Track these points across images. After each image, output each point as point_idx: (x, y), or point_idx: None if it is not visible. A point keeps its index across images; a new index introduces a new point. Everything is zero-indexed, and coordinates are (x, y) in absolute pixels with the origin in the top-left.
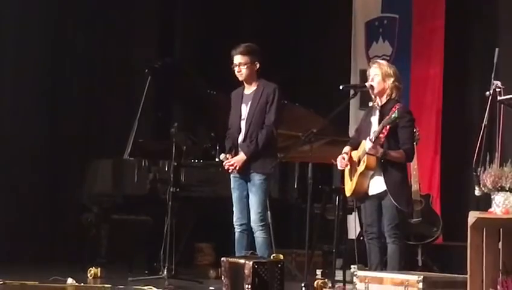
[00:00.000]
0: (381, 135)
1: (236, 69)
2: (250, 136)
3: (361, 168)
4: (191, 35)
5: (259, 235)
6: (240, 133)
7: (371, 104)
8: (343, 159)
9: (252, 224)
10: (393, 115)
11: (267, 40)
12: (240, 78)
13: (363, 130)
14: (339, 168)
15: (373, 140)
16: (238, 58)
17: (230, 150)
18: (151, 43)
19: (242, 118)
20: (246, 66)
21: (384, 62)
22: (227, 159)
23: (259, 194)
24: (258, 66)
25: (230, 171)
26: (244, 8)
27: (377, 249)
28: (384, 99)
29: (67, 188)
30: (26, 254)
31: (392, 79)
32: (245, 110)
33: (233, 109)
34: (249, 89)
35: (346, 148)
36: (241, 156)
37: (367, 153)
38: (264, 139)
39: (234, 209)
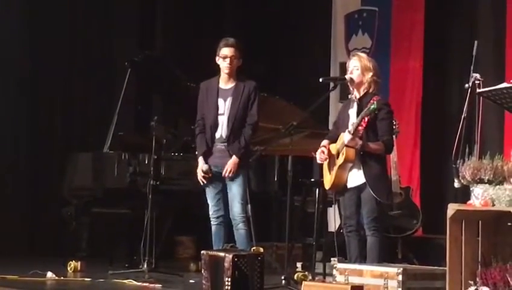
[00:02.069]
0: (360, 127)
1: (227, 60)
2: (234, 135)
3: (340, 160)
4: (172, 28)
5: (241, 227)
6: (217, 128)
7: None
8: (323, 153)
9: (235, 216)
10: (371, 106)
11: (247, 31)
12: (226, 71)
13: (341, 123)
14: (318, 161)
15: (352, 132)
16: (231, 51)
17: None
18: (131, 36)
19: (220, 112)
20: (236, 60)
21: (364, 55)
22: (208, 174)
23: (242, 187)
24: (241, 62)
25: (204, 182)
26: (224, 2)
27: (355, 241)
28: (362, 93)
29: (47, 182)
30: (6, 247)
31: (370, 73)
32: (223, 105)
33: (207, 102)
34: (227, 84)
35: (325, 142)
36: (234, 160)
37: (346, 146)
38: (249, 137)
39: (209, 202)
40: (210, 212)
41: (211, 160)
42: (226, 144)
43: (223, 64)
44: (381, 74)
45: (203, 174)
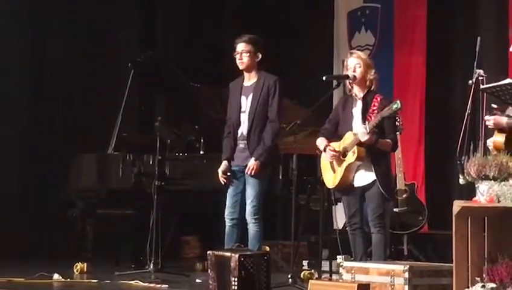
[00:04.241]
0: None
1: (237, 56)
2: (254, 131)
3: (350, 159)
4: (174, 28)
5: (252, 227)
6: (239, 126)
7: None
8: (333, 151)
9: (247, 216)
10: (394, 106)
11: (248, 30)
12: (241, 67)
13: (341, 122)
14: (329, 159)
15: (368, 131)
16: (241, 46)
17: (229, 159)
18: (133, 37)
19: (242, 110)
20: (248, 55)
21: (362, 54)
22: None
23: (257, 188)
24: (259, 57)
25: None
26: (225, 0)
27: (360, 239)
28: (364, 91)
29: (52, 184)
30: (12, 250)
31: (373, 71)
32: (245, 102)
33: (232, 101)
34: (249, 81)
35: (323, 140)
36: (254, 163)
37: (358, 144)
38: (271, 137)
39: (227, 202)
40: (226, 213)
41: (234, 159)
42: (246, 141)
43: (237, 61)
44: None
45: (221, 175)
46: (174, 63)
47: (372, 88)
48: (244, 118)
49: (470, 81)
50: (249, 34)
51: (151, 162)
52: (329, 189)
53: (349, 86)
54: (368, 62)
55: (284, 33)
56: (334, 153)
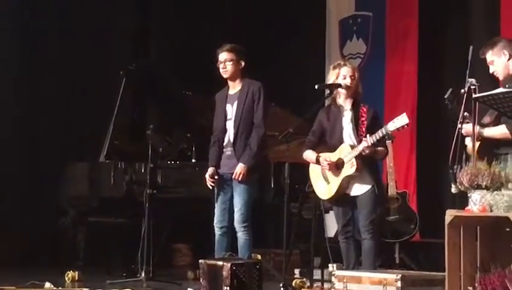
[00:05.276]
0: (361, 135)
1: (221, 66)
2: (240, 137)
3: (348, 171)
4: (167, 37)
5: (241, 236)
6: (225, 134)
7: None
8: (329, 162)
9: (235, 224)
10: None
11: (240, 39)
12: (225, 76)
13: (329, 133)
14: (325, 169)
15: (370, 143)
16: (224, 55)
17: (216, 166)
18: (126, 45)
19: (228, 118)
20: (231, 63)
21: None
22: (213, 177)
23: (244, 195)
24: (242, 64)
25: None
26: (217, 8)
27: (352, 247)
28: (351, 101)
29: (43, 192)
30: (3, 258)
31: (360, 84)
32: (230, 110)
33: (218, 111)
34: (234, 89)
35: (313, 152)
36: (242, 167)
37: (355, 156)
38: (256, 142)
39: (216, 210)
40: (214, 221)
41: (221, 167)
42: (232, 148)
43: (220, 70)
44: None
45: (209, 179)
46: (167, 72)
47: (358, 98)
48: (230, 125)
49: (462, 90)
50: (227, 44)
51: (142, 170)
52: (322, 199)
53: (336, 95)
54: (358, 73)
55: (276, 41)
56: (330, 164)
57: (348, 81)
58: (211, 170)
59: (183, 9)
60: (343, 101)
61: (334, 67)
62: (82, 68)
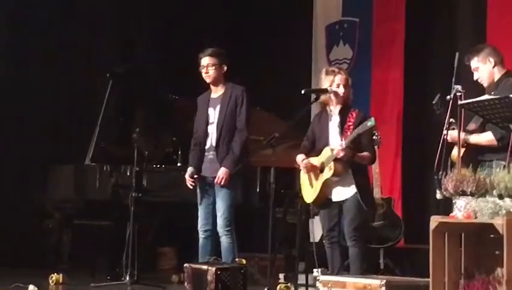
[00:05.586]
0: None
1: (203, 70)
2: (223, 141)
3: (327, 174)
4: (153, 40)
5: (225, 240)
6: (207, 138)
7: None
8: (308, 164)
9: (218, 229)
10: (368, 123)
11: (227, 43)
12: (208, 80)
13: (317, 137)
14: (303, 172)
15: (344, 146)
16: (206, 60)
17: (196, 167)
18: (113, 47)
19: (210, 122)
20: (213, 68)
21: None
22: (193, 177)
23: (227, 199)
24: (225, 68)
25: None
26: (205, 12)
27: (338, 253)
28: (340, 106)
29: (28, 194)
30: None
31: (351, 89)
32: (213, 113)
33: (199, 114)
34: (216, 93)
35: (302, 156)
36: (224, 172)
37: (334, 160)
38: (239, 146)
39: (199, 214)
40: (198, 225)
41: (202, 171)
42: (215, 152)
43: (203, 75)
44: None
45: (188, 179)
46: (153, 75)
47: (349, 103)
48: (212, 129)
49: (448, 97)
50: (211, 48)
51: (128, 174)
52: (308, 203)
53: (327, 100)
54: (349, 80)
55: (262, 46)
56: (307, 165)
57: (341, 90)
58: (190, 169)
59: (170, 12)
60: (334, 106)
61: (328, 73)
62: (68, 70)
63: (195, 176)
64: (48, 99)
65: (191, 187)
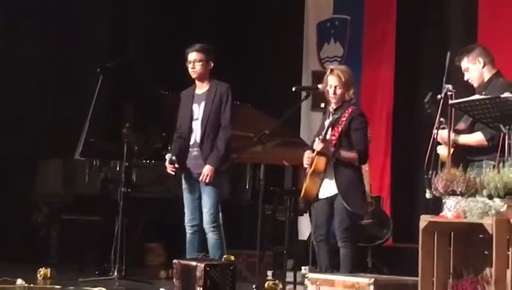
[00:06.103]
0: (332, 137)
1: (190, 66)
2: (207, 137)
3: (310, 169)
4: (144, 35)
5: (211, 236)
6: (191, 134)
7: (322, 105)
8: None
9: (204, 225)
10: (336, 116)
11: (218, 40)
12: (193, 76)
13: (318, 134)
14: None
15: (321, 139)
16: (193, 55)
17: (178, 157)
18: (103, 42)
19: (194, 118)
20: (200, 64)
21: (343, 69)
22: (174, 164)
23: (213, 196)
24: (211, 65)
25: (173, 172)
26: (196, 8)
27: (325, 251)
28: (336, 104)
29: (17, 188)
30: None
31: (353, 89)
32: (197, 110)
33: (183, 109)
34: (201, 89)
35: (308, 153)
36: (208, 169)
37: (317, 154)
38: (224, 143)
39: (186, 210)
40: (185, 220)
41: (186, 167)
42: (199, 148)
43: (189, 70)
44: None
45: (169, 165)
46: (144, 70)
47: (347, 100)
48: (197, 126)
49: (439, 96)
50: (199, 43)
51: (117, 169)
52: (297, 199)
53: (327, 98)
54: (347, 81)
55: (253, 42)
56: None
57: (331, 92)
58: (168, 156)
59: (161, 7)
60: (331, 104)
61: (327, 72)
62: (58, 65)
63: (177, 166)
64: (37, 92)
65: (172, 173)
